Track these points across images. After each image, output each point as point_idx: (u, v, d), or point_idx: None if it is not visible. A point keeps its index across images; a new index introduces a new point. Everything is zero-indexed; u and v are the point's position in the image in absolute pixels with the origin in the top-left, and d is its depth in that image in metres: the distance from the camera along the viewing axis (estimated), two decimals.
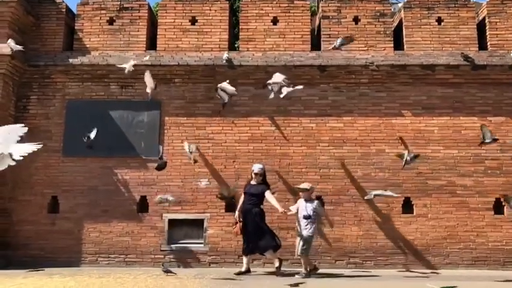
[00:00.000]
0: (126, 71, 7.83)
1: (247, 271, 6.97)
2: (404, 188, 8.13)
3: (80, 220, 8.15)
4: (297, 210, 6.99)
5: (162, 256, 8.01)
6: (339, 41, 7.82)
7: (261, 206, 7.07)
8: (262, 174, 7.21)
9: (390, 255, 7.95)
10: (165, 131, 8.44)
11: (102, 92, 8.60)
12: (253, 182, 7.19)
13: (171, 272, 6.68)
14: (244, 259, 7.05)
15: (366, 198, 7.87)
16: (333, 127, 8.39)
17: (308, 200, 7.00)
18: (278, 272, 6.89)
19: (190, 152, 7.87)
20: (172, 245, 8.04)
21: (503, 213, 8.07)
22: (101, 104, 8.50)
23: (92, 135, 7.77)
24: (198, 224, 8.10)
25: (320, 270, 7.14)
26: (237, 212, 7.20)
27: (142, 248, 8.06)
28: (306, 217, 6.83)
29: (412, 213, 8.11)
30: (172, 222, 8.11)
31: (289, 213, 7.09)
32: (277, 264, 6.93)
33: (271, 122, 8.44)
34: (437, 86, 8.46)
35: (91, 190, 8.23)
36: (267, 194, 7.05)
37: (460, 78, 8.43)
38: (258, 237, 6.89)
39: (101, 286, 5.66)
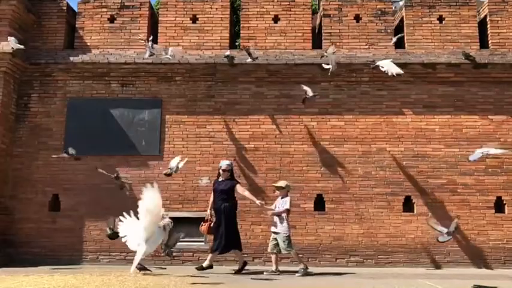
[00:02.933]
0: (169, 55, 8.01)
1: (210, 267, 6.87)
2: (405, 187, 8.14)
3: (81, 218, 8.16)
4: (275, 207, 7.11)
5: (164, 254, 8.00)
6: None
7: (231, 202, 6.98)
8: (230, 171, 7.14)
9: (391, 254, 7.96)
10: (166, 129, 8.45)
11: (103, 90, 8.60)
12: (220, 179, 7.10)
13: (146, 269, 6.62)
14: (210, 255, 6.92)
15: (471, 159, 7.21)
16: (334, 125, 8.39)
17: (283, 197, 7.06)
18: (238, 272, 6.90)
19: (177, 168, 7.40)
20: None
21: (504, 212, 8.07)
22: (102, 102, 8.52)
23: (71, 151, 7.77)
24: (199, 222, 8.07)
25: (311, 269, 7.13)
26: (208, 210, 7.12)
27: None
28: (276, 214, 6.95)
29: (413, 211, 8.11)
30: (173, 220, 8.08)
31: (266, 206, 7.18)
32: (240, 266, 6.98)
33: (272, 120, 8.44)
34: (438, 85, 8.45)
35: (92, 188, 8.23)
36: (239, 188, 7.02)
37: (461, 76, 8.43)
38: (227, 234, 6.77)
39: (101, 284, 5.67)
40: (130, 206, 8.11)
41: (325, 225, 8.07)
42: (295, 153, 8.32)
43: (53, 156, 8.02)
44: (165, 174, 7.51)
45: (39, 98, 8.60)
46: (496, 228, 8.00)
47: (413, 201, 8.13)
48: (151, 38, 8.24)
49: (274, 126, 8.42)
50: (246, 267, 7.10)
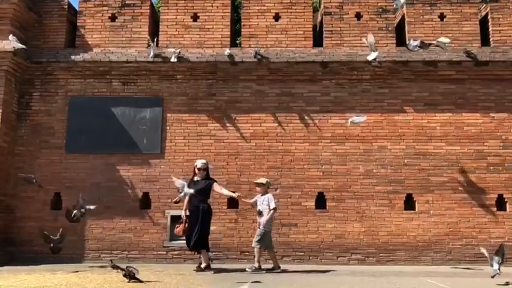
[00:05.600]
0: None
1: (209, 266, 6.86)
2: (406, 185, 8.14)
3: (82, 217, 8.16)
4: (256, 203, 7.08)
5: (165, 252, 8.04)
6: (416, 43, 7.87)
7: (208, 202, 6.94)
8: (206, 169, 7.06)
9: (392, 252, 7.96)
10: (168, 128, 8.46)
11: (105, 88, 8.61)
12: (196, 178, 7.00)
13: (119, 268, 6.53)
14: (199, 255, 6.91)
15: None
16: (335, 123, 8.38)
17: (263, 194, 7.02)
18: (198, 270, 6.77)
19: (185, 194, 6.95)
20: (174, 241, 8.06)
21: (505, 210, 8.07)
22: (103, 101, 8.52)
23: (32, 179, 7.68)
24: None
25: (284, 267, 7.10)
26: (183, 212, 7.00)
27: (145, 244, 8.09)
28: (259, 212, 6.94)
29: (414, 209, 8.12)
30: (174, 219, 8.08)
31: (244, 199, 7.22)
32: (204, 265, 6.81)
33: (274, 118, 8.44)
34: (439, 83, 8.44)
35: (94, 187, 8.25)
36: (216, 187, 6.97)
37: (463, 74, 8.41)
38: (200, 234, 6.68)
39: (103, 282, 5.69)
40: (132, 203, 8.20)
41: (327, 224, 8.08)
42: (296, 151, 8.32)
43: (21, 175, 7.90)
44: (175, 202, 7.26)
45: (40, 97, 8.61)
46: (498, 226, 8.00)
47: (414, 199, 8.13)
48: (154, 41, 8.39)
49: (275, 125, 8.42)
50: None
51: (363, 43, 8.31)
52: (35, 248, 8.02)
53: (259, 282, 5.66)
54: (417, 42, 7.88)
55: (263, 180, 7.17)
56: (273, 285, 5.53)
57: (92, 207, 7.44)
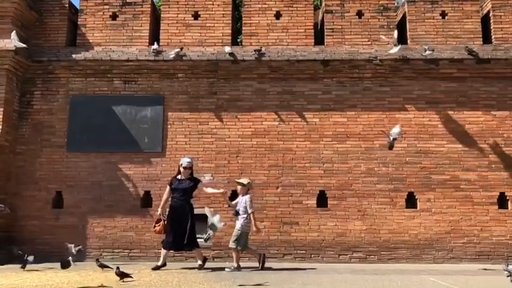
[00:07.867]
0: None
1: (164, 265, 6.83)
2: (407, 183, 8.13)
3: (84, 215, 8.19)
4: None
5: None
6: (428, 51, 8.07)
7: (191, 201, 6.93)
8: (191, 168, 7.03)
9: (394, 250, 7.95)
10: (169, 126, 8.46)
11: (106, 87, 8.61)
12: (180, 177, 6.96)
13: (107, 266, 6.50)
14: (163, 252, 6.86)
15: None
16: (336, 122, 8.38)
17: (244, 195, 7.00)
18: (201, 268, 6.83)
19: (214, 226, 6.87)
20: None
21: (507, 208, 8.06)
22: (104, 99, 8.52)
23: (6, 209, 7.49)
24: (200, 218, 8.07)
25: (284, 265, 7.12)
26: (159, 209, 6.98)
27: (147, 242, 8.09)
28: (236, 212, 6.93)
29: (416, 207, 8.11)
30: None
31: (228, 199, 7.19)
32: (200, 262, 6.90)
33: (275, 116, 8.43)
34: (441, 81, 8.43)
35: (95, 185, 8.26)
36: (202, 186, 6.98)
37: (464, 72, 8.39)
38: (186, 233, 6.66)
39: (105, 280, 5.69)
40: (134, 201, 8.21)
41: (328, 222, 8.07)
42: (297, 149, 8.31)
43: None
44: (205, 240, 7.04)
45: (41, 96, 8.62)
46: (499, 224, 7.99)
47: (416, 198, 8.12)
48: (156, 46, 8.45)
49: (276, 123, 8.42)
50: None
51: (365, 41, 8.33)
52: (36, 247, 8.00)
53: (259, 284, 5.65)
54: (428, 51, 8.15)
55: (244, 180, 7.15)
56: (274, 284, 5.53)
57: (78, 248, 7.21)
